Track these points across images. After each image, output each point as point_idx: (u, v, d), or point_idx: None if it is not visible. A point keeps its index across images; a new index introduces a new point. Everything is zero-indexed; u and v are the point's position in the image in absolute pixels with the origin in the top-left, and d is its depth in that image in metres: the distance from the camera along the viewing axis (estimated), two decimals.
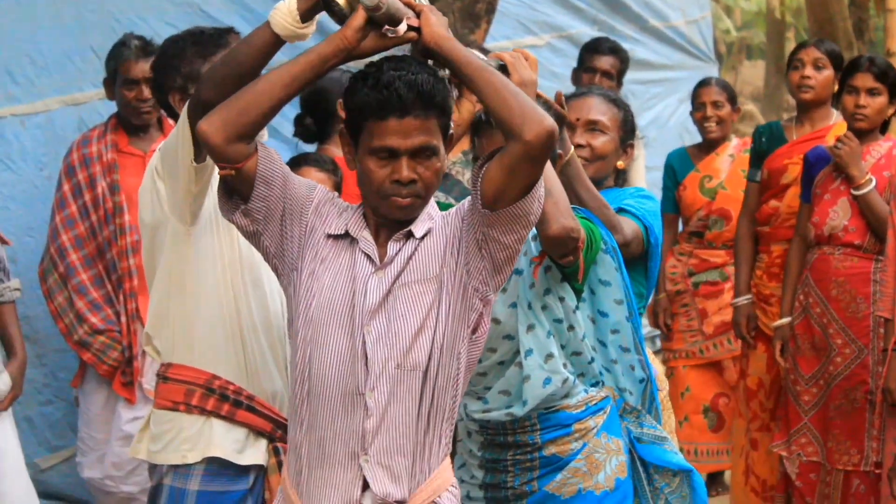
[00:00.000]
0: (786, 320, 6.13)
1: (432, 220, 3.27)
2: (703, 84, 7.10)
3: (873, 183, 5.83)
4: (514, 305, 3.90)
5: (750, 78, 28.06)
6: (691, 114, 7.14)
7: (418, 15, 3.18)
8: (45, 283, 5.98)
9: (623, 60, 7.26)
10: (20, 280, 5.74)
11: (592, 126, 4.12)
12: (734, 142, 7.03)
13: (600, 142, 4.11)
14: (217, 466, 3.84)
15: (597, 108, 4.14)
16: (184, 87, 3.92)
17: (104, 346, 5.84)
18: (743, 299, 6.50)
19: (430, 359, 3.17)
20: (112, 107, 6.05)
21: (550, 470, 3.92)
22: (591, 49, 7.22)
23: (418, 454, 3.19)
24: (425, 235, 3.25)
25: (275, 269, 3.33)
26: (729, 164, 6.91)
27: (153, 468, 3.94)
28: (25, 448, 5.96)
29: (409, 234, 3.24)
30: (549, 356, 3.87)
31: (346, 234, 3.26)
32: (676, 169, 7.16)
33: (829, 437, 6.02)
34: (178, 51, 3.97)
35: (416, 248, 3.23)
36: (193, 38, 3.99)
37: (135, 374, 5.87)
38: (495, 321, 3.85)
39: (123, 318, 5.89)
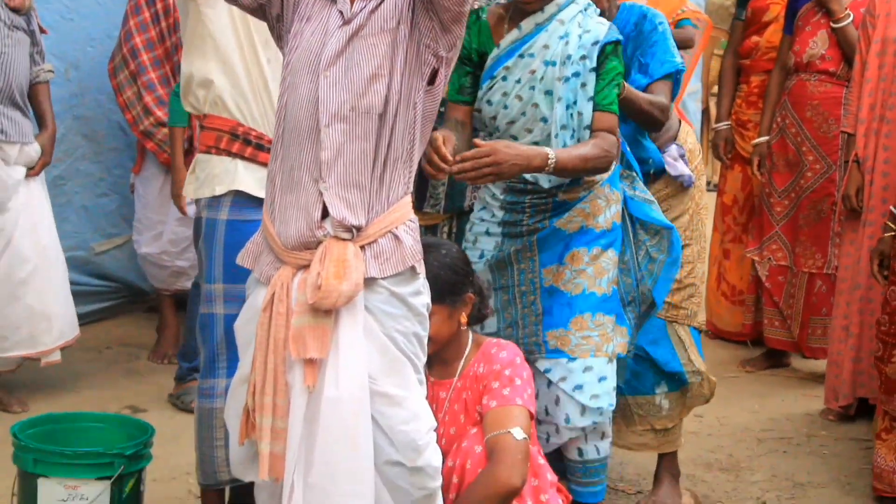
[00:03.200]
0: (764, 139, 6.57)
1: None
2: None
3: (851, 17, 6.26)
4: (549, 93, 4.28)
5: None
6: None
7: None
8: (114, 78, 6.41)
9: None
10: (82, 85, 6.34)
11: None
12: None
13: None
14: (242, 199, 4.19)
15: None
16: None
17: (167, 138, 6.21)
18: (723, 125, 6.89)
19: (387, 105, 3.39)
20: None
21: (560, 211, 4.36)
22: None
23: (374, 190, 3.41)
24: None
25: (278, 38, 3.60)
26: None
27: (197, 203, 4.34)
28: (83, 234, 6.54)
29: None
30: (564, 127, 4.26)
31: None
32: None
33: (797, 243, 6.52)
34: None
35: (378, 5, 3.43)
36: None
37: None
38: (534, 105, 4.27)
39: None
